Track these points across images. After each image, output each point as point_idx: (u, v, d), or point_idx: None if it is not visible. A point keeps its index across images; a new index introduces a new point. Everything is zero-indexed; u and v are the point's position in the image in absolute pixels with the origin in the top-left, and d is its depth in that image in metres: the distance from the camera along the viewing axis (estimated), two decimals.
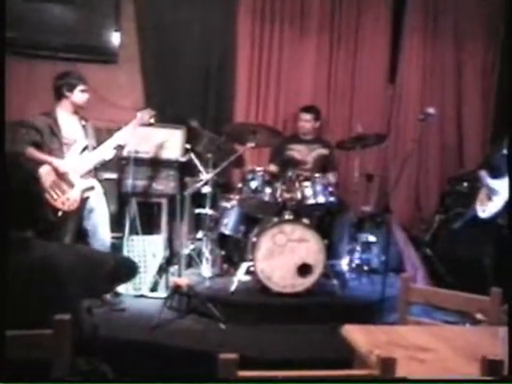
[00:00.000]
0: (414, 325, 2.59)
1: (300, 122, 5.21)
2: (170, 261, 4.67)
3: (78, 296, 1.97)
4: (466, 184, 5.31)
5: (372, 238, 4.91)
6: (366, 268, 4.80)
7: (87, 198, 4.12)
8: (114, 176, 4.77)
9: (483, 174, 4.46)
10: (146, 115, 4.26)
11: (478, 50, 5.72)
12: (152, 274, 4.57)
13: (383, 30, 5.67)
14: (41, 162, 3.89)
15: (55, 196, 3.92)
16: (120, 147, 4.25)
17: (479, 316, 2.72)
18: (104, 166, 4.30)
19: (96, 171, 4.24)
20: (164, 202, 4.90)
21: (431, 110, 4.05)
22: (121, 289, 4.37)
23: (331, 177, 4.86)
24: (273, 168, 5.05)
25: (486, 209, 4.35)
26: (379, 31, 5.66)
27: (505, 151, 4.35)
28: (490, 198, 4.36)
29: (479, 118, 5.76)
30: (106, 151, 4.14)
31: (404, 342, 2.08)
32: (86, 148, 4.14)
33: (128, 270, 2.42)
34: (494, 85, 5.73)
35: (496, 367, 1.45)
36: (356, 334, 2.12)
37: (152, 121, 4.31)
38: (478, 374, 1.52)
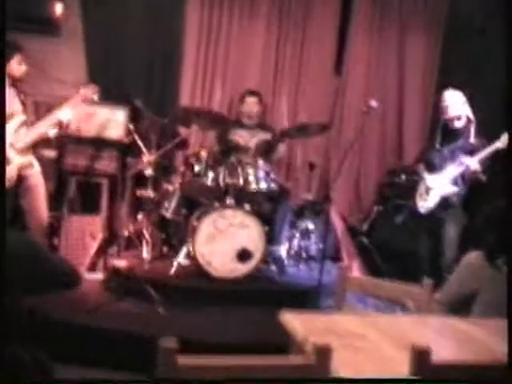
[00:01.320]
0: (350, 312, 2.68)
1: (245, 105, 5.20)
2: (108, 242, 4.60)
3: (17, 282, 1.93)
4: (404, 177, 5.45)
5: (311, 226, 4.99)
6: (304, 255, 4.88)
7: (24, 175, 4.00)
8: (52, 154, 4.65)
9: (420, 168, 4.59)
10: (89, 91, 4.15)
11: (420, 43, 5.84)
12: (90, 254, 4.49)
13: (331, 21, 5.69)
14: None
15: None
16: (60, 124, 4.14)
17: (409, 304, 2.82)
18: (43, 143, 4.18)
19: (34, 148, 4.12)
20: (105, 182, 4.81)
21: (374, 104, 4.13)
22: None
23: (281, 148, 4.88)
24: (215, 153, 5.04)
25: (424, 203, 4.49)
26: (327, 21, 5.69)
27: (437, 146, 4.49)
28: (427, 193, 4.49)
29: (419, 112, 5.89)
30: (46, 127, 4.02)
31: (340, 329, 2.14)
32: (24, 123, 4.01)
33: (69, 280, 2.37)
34: (434, 79, 5.88)
35: (424, 355, 1.51)
36: (293, 320, 2.17)
37: (95, 98, 4.21)
38: (407, 360, 1.58)
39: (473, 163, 4.23)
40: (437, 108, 4.72)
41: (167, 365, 1.35)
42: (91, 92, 4.15)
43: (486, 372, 1.63)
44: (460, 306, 2.75)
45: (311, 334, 2.00)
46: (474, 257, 2.71)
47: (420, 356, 1.52)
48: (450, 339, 2.23)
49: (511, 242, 2.59)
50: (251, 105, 5.18)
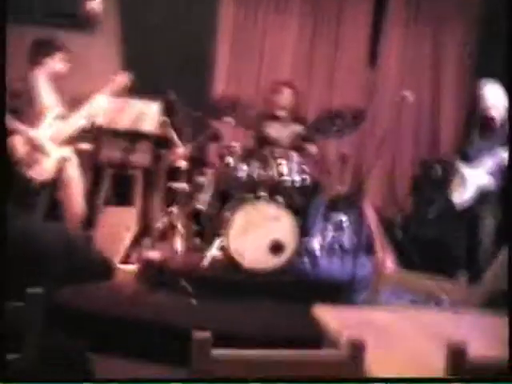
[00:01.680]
0: (384, 306, 2.65)
1: (280, 96, 5.17)
2: (142, 234, 4.65)
3: (52, 275, 1.96)
4: (439, 168, 5.37)
5: (344, 219, 4.95)
6: (337, 248, 4.85)
7: (62, 168, 4.07)
8: (89, 147, 4.72)
9: (456, 160, 4.52)
10: (121, 79, 4.19)
11: (455, 36, 5.74)
12: (124, 246, 4.54)
13: (365, 14, 5.67)
14: (15, 131, 3.82)
15: (30, 166, 3.87)
16: (95, 115, 4.19)
17: (444, 296, 2.79)
18: (79, 136, 4.24)
19: (71, 141, 4.18)
20: (139, 174, 4.87)
21: (408, 93, 4.08)
22: None
23: (311, 148, 4.87)
24: (249, 145, 5.03)
25: (460, 195, 4.42)
26: (361, 15, 5.66)
27: (476, 139, 4.41)
28: (463, 185, 4.42)
29: (455, 104, 5.80)
30: (81, 118, 4.08)
31: (374, 324, 2.12)
32: (61, 116, 4.07)
33: (104, 271, 2.41)
34: (470, 70, 5.77)
35: (460, 352, 1.49)
36: (326, 314, 2.16)
37: (128, 85, 4.23)
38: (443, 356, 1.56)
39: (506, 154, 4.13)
40: (473, 100, 4.62)
41: (201, 357, 1.36)
42: (124, 80, 4.18)
43: None
44: (497, 302, 2.70)
45: (345, 328, 1.99)
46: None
47: (456, 353, 1.50)
48: (486, 335, 2.19)
49: None
50: (287, 96, 5.15)
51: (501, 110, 4.30)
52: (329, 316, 2.14)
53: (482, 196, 4.28)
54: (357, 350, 1.48)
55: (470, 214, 4.35)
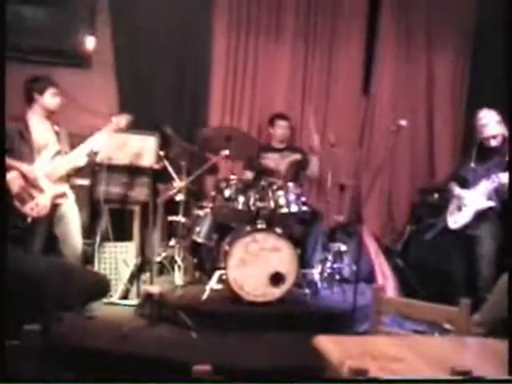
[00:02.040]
0: (386, 335, 2.62)
1: (276, 128, 5.23)
2: (141, 268, 4.63)
3: (49, 309, 1.95)
4: (436, 195, 5.38)
5: (344, 248, 4.94)
6: (337, 277, 4.83)
7: (58, 204, 4.07)
8: (86, 182, 4.73)
9: (453, 185, 4.53)
10: (122, 120, 4.23)
11: (448, 61, 5.81)
12: (123, 281, 4.52)
13: (357, 42, 5.72)
14: (9, 168, 3.83)
15: (23, 202, 3.87)
16: (94, 153, 4.22)
17: (448, 326, 2.76)
18: (77, 172, 4.25)
19: (68, 177, 4.19)
20: (137, 209, 4.87)
21: (403, 122, 4.12)
22: None
23: (314, 164, 4.88)
24: (249, 175, 5.06)
25: (457, 220, 4.42)
26: (353, 43, 5.71)
27: (473, 165, 4.43)
28: (459, 209, 4.42)
29: (450, 129, 5.85)
30: (79, 157, 4.10)
31: (376, 352, 2.09)
32: (58, 153, 4.09)
33: (102, 289, 2.40)
34: (464, 96, 5.83)
35: (464, 377, 1.47)
36: (328, 344, 2.13)
37: (126, 126, 4.28)
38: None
39: (506, 178, 4.15)
40: (469, 127, 4.66)
41: None
42: (124, 121, 4.22)
43: None
44: (500, 328, 2.68)
45: (347, 357, 1.96)
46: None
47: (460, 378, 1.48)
48: (490, 361, 2.16)
49: None
50: (283, 128, 5.21)
51: (499, 137, 4.33)
52: (330, 346, 2.11)
53: (480, 219, 4.28)
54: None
55: (469, 239, 4.34)
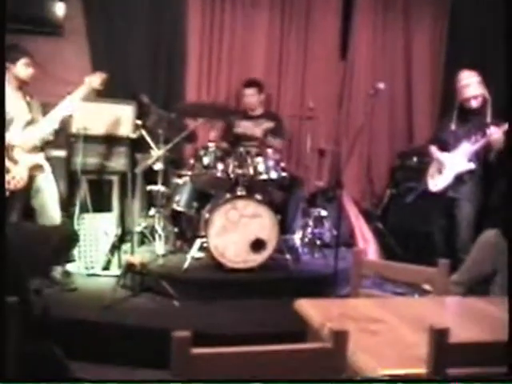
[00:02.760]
0: (366, 297, 2.64)
1: (244, 97, 5.20)
2: (122, 238, 4.60)
3: (26, 276, 1.92)
4: (415, 159, 5.40)
5: (324, 213, 4.96)
6: (318, 242, 4.86)
7: (34, 176, 4.00)
8: (62, 154, 4.65)
9: (433, 148, 4.54)
10: (95, 79, 4.09)
11: (426, 25, 5.79)
12: (104, 252, 4.50)
13: (334, 7, 5.65)
14: None
15: None
16: (68, 117, 4.13)
17: (427, 287, 2.79)
18: (52, 143, 4.17)
19: (43, 148, 4.11)
20: (115, 179, 4.82)
21: (381, 85, 4.09)
22: (72, 268, 4.31)
23: (276, 143, 4.85)
24: (224, 145, 5.02)
25: (437, 183, 4.43)
26: (330, 7, 5.65)
27: (453, 127, 4.43)
28: (440, 172, 4.44)
29: (428, 93, 5.85)
30: (52, 123, 4.00)
31: (356, 314, 2.11)
32: (30, 123, 3.99)
33: (70, 240, 2.37)
34: (442, 59, 5.81)
35: (442, 336, 1.49)
36: (309, 308, 2.15)
37: (101, 86, 4.15)
38: (425, 342, 1.55)
39: (497, 133, 4.13)
40: (447, 90, 4.64)
41: (181, 357, 1.33)
42: (97, 80, 4.09)
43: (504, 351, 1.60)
44: (478, 286, 2.72)
45: (327, 320, 1.98)
46: (490, 235, 2.68)
47: (438, 337, 1.49)
48: (468, 319, 2.20)
49: None
50: (249, 96, 5.17)
51: (480, 98, 4.33)
52: (311, 309, 2.13)
53: (460, 181, 4.30)
54: (340, 340, 1.47)
55: (449, 201, 4.37)
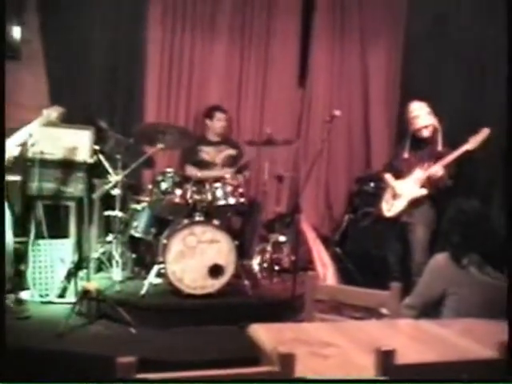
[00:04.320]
0: (321, 322, 2.67)
1: (214, 121, 5.22)
2: (78, 265, 4.53)
3: None
4: (372, 184, 5.49)
5: (282, 238, 4.99)
6: (277, 267, 4.88)
7: None
8: (18, 178, 4.58)
9: (387, 176, 4.63)
10: (52, 112, 4.09)
11: (381, 54, 5.93)
12: (60, 279, 4.42)
13: (293, 34, 5.76)
14: None
15: None
16: (26, 146, 4.09)
17: (384, 310, 2.83)
18: (8, 168, 4.11)
19: None
20: (72, 204, 4.75)
21: (337, 112, 4.18)
22: (25, 295, 4.22)
23: (240, 178, 4.89)
24: (190, 169, 5.02)
25: (392, 208, 4.52)
26: (289, 34, 5.75)
27: (406, 155, 4.54)
28: (394, 198, 4.53)
29: (384, 120, 5.96)
30: (11, 149, 3.95)
31: (309, 338, 2.13)
32: None
33: None
34: (397, 88, 5.95)
35: (388, 357, 1.51)
36: (262, 332, 2.15)
37: (58, 119, 4.15)
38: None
39: (438, 169, 4.28)
40: (403, 118, 4.77)
41: (125, 381, 1.33)
42: (54, 113, 4.09)
43: (451, 370, 1.64)
44: (429, 309, 2.76)
45: (280, 344, 1.98)
46: (440, 258, 2.74)
47: (384, 358, 1.52)
48: (419, 342, 2.23)
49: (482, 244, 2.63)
50: (221, 121, 5.21)
51: (430, 128, 4.45)
52: (265, 334, 2.14)
53: (414, 207, 4.39)
54: (287, 363, 1.48)
55: (403, 226, 4.46)
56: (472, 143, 4.18)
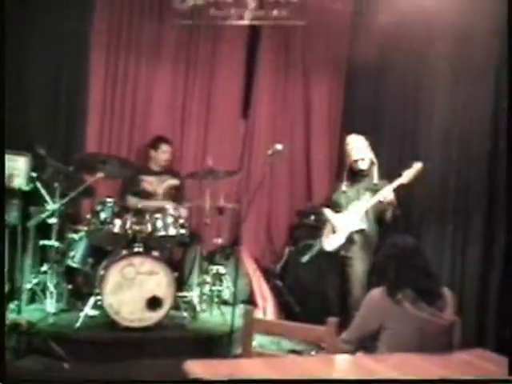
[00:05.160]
0: (258, 356, 2.65)
1: (159, 152, 5.20)
2: (10, 296, 4.36)
3: None
4: (313, 217, 5.56)
5: (223, 270, 4.96)
6: (216, 300, 4.83)
7: None
8: None
9: (326, 210, 4.69)
10: None
11: (324, 88, 6.07)
12: None
13: (237, 66, 5.83)
14: None
15: None
16: None
17: (324, 344, 2.83)
18: None
19: None
20: (5, 232, 4.59)
21: (279, 146, 4.22)
22: None
23: (182, 210, 4.86)
24: (131, 199, 4.95)
25: (331, 242, 4.56)
26: (233, 66, 5.82)
27: (344, 188, 4.62)
28: (333, 232, 4.58)
29: (326, 154, 6.07)
30: None
31: (243, 374, 2.11)
32: None
33: None
34: (338, 123, 6.09)
35: None
36: (198, 369, 2.12)
37: None
38: None
39: (386, 193, 4.34)
40: (342, 151, 4.87)
41: None
42: None
43: None
44: (367, 343, 2.79)
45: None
46: (376, 293, 2.77)
47: None
48: (353, 377, 2.25)
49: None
50: (166, 152, 5.20)
51: (367, 160, 4.56)
52: (200, 370, 2.10)
53: (352, 241, 4.45)
54: None
55: (342, 260, 4.50)
56: (405, 177, 4.30)
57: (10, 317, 3.99)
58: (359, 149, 4.56)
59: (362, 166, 4.55)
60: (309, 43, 6.00)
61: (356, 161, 4.56)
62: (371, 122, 5.47)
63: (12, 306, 4.23)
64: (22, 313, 3.93)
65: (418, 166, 4.29)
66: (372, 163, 4.58)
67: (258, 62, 5.90)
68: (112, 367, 3.74)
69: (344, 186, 4.61)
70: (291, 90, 6.04)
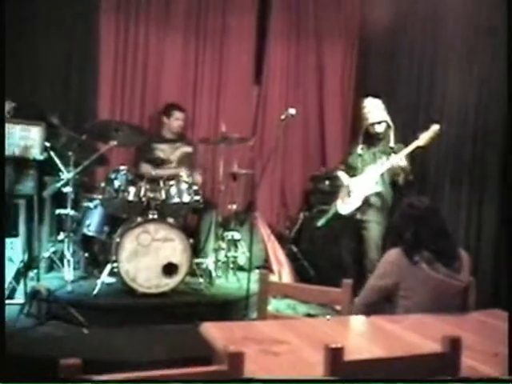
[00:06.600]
0: (273, 319, 2.67)
1: (172, 120, 5.17)
2: (28, 265, 4.42)
3: None
4: (327, 182, 5.54)
5: (237, 236, 4.98)
6: (232, 265, 4.87)
7: None
8: None
9: (341, 173, 4.67)
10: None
11: (337, 52, 5.99)
12: (8, 279, 4.30)
13: (248, 32, 5.76)
14: None
15: None
16: None
17: (338, 307, 2.85)
18: None
19: None
20: (22, 202, 4.62)
21: (292, 111, 4.18)
22: None
23: (197, 176, 4.86)
24: (145, 167, 4.96)
25: (346, 206, 4.55)
26: (245, 33, 5.74)
27: (360, 151, 4.58)
28: (349, 196, 4.57)
29: (340, 118, 6.02)
30: None
31: (260, 336, 2.13)
32: None
33: None
34: (352, 86, 6.02)
35: (336, 354, 1.52)
36: (213, 331, 2.14)
37: (8, 114, 4.04)
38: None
39: (399, 159, 4.31)
40: (357, 114, 4.82)
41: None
42: (6, 108, 3.97)
43: (399, 366, 1.65)
44: (381, 304, 2.79)
45: (231, 342, 1.98)
46: (393, 253, 2.75)
47: (333, 355, 1.52)
48: (369, 338, 2.26)
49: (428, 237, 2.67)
50: (178, 120, 5.17)
51: (383, 124, 4.52)
52: (216, 333, 2.13)
53: (368, 204, 4.44)
54: (235, 362, 1.47)
55: (357, 223, 4.50)
56: (422, 139, 4.25)
57: (30, 284, 4.05)
58: (376, 112, 4.52)
59: (379, 129, 4.52)
60: (321, 8, 5.90)
61: (372, 124, 4.53)
62: (386, 86, 5.39)
63: (31, 274, 4.29)
64: (40, 281, 3.97)
65: (435, 127, 4.24)
66: (388, 126, 4.54)
67: (269, 27, 5.82)
68: (130, 332, 3.78)
69: (360, 150, 4.59)
70: (303, 54, 5.96)
